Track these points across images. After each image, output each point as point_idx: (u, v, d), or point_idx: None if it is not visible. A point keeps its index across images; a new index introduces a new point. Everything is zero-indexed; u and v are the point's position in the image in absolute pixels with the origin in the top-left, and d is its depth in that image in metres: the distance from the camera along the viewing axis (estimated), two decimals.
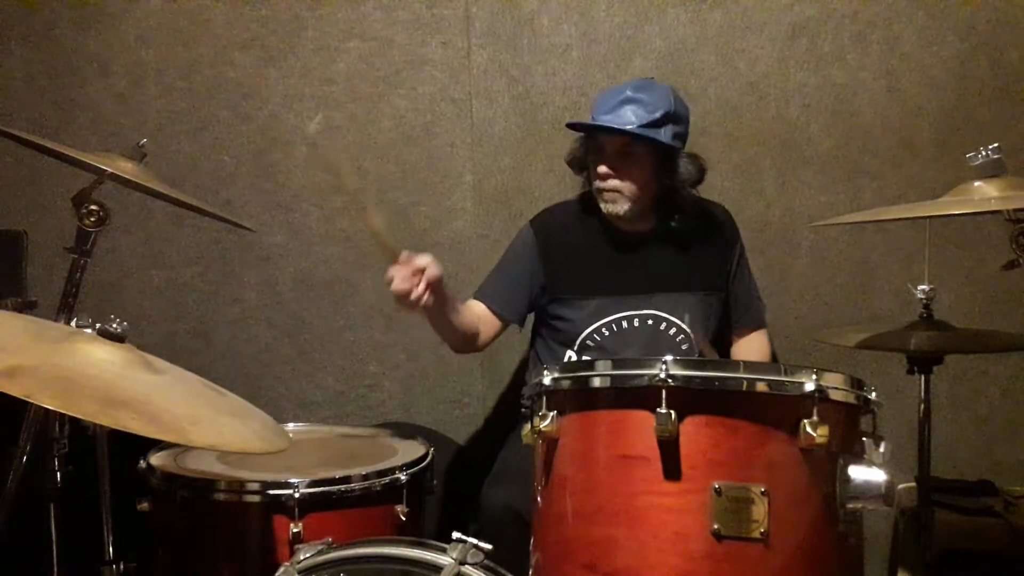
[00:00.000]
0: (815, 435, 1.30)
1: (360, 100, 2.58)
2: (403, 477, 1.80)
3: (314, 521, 1.70)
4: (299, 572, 1.39)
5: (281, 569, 1.40)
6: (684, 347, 2.12)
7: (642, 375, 1.34)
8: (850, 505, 1.36)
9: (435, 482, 1.97)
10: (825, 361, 2.29)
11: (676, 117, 2.02)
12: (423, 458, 1.90)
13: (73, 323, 1.49)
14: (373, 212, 1.85)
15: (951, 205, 1.72)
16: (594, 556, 1.35)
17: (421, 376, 2.64)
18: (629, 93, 2.01)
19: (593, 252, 2.15)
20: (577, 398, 1.45)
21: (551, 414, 1.42)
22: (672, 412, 1.30)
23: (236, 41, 2.58)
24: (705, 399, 1.33)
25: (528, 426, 1.47)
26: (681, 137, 2.06)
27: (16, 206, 2.60)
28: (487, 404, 2.64)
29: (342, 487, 1.73)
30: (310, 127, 1.87)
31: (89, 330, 1.43)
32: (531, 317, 2.23)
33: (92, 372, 1.32)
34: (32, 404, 1.63)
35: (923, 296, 1.92)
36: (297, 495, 1.69)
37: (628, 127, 1.99)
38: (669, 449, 1.32)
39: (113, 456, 1.89)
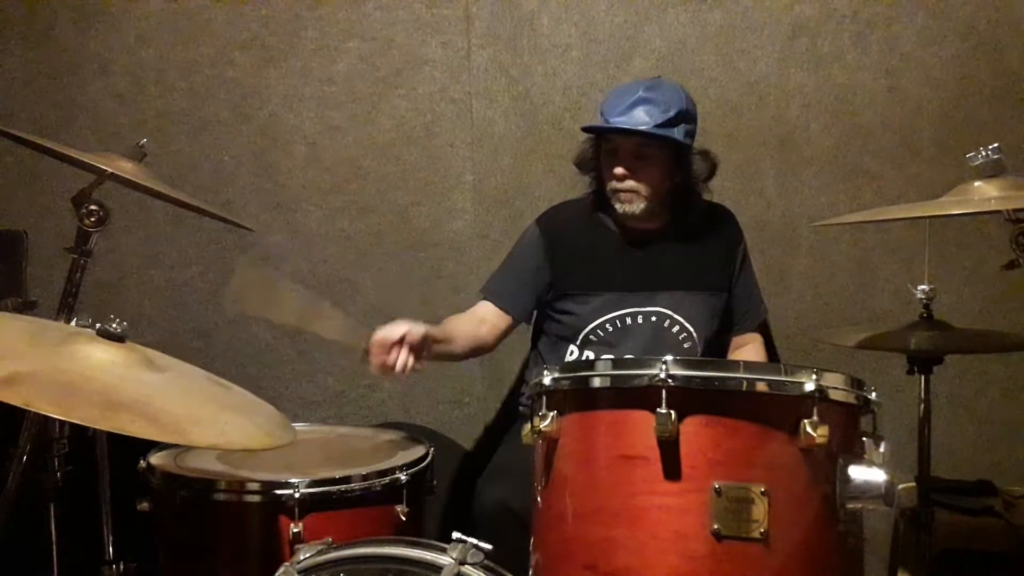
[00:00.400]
0: (815, 435, 1.30)
1: (360, 100, 2.58)
2: (403, 477, 1.80)
3: (314, 521, 1.70)
4: (299, 572, 1.39)
5: (281, 569, 1.40)
6: (686, 345, 2.13)
7: (642, 375, 1.34)
8: (850, 505, 1.36)
9: (435, 482, 1.97)
10: (825, 361, 2.29)
11: (688, 115, 2.03)
12: (423, 458, 1.90)
13: (73, 323, 1.49)
14: (324, 319, 1.87)
15: (951, 205, 1.72)
16: (594, 556, 1.35)
17: (421, 376, 2.61)
18: (641, 93, 2.01)
19: (599, 249, 2.15)
20: (577, 398, 1.45)
21: (551, 414, 1.42)
22: (672, 412, 1.30)
23: (236, 41, 2.58)
24: (705, 399, 1.33)
25: (528, 426, 1.47)
26: (692, 135, 2.07)
27: (16, 206, 2.60)
28: (487, 404, 2.64)
29: (342, 487, 1.74)
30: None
31: (89, 330, 1.43)
32: (534, 314, 2.23)
33: (92, 374, 1.32)
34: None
35: (923, 296, 1.92)
36: (297, 495, 1.69)
37: (643, 127, 1.99)
38: (669, 449, 1.32)
39: (113, 456, 1.89)
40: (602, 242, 2.16)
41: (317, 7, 2.57)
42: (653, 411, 1.31)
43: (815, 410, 1.32)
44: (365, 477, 1.77)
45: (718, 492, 1.30)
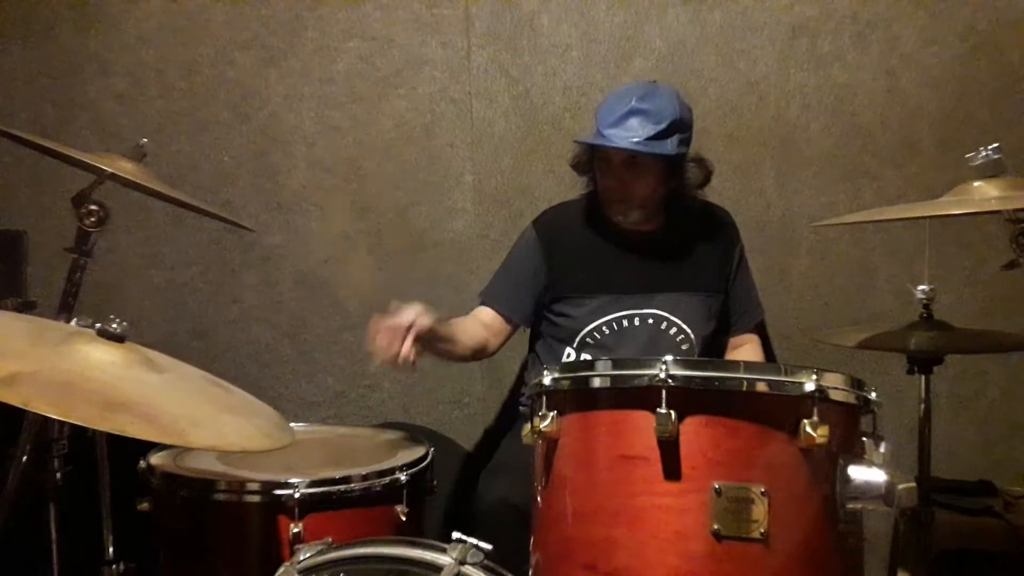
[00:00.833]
0: (815, 435, 1.30)
1: (360, 100, 2.58)
2: (403, 477, 1.80)
3: (314, 521, 1.70)
4: (299, 572, 1.39)
5: (281, 569, 1.40)
6: (684, 347, 2.13)
7: (642, 375, 1.34)
8: (850, 505, 1.36)
9: (435, 482, 1.97)
10: (825, 361, 2.28)
11: (681, 124, 2.01)
12: (423, 458, 1.90)
13: (73, 323, 1.49)
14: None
15: (951, 205, 1.71)
16: (594, 556, 1.35)
17: (421, 376, 2.64)
18: (634, 104, 1.98)
19: (596, 251, 2.15)
20: (577, 398, 1.45)
21: (551, 414, 1.42)
22: (672, 412, 1.30)
23: (236, 41, 2.58)
24: (705, 399, 1.33)
25: (528, 426, 1.47)
26: (686, 143, 2.05)
27: (16, 206, 2.60)
28: (487, 404, 2.64)
29: (342, 487, 1.73)
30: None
31: (89, 330, 1.43)
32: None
33: (92, 374, 1.32)
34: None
35: (923, 296, 1.92)
36: (297, 495, 1.69)
37: (635, 140, 1.97)
38: (669, 449, 1.32)
39: (113, 456, 1.89)
40: (598, 244, 2.15)
41: (317, 7, 2.57)
42: (653, 411, 1.31)
43: (815, 410, 1.31)
44: (365, 477, 1.77)
45: (718, 492, 1.29)
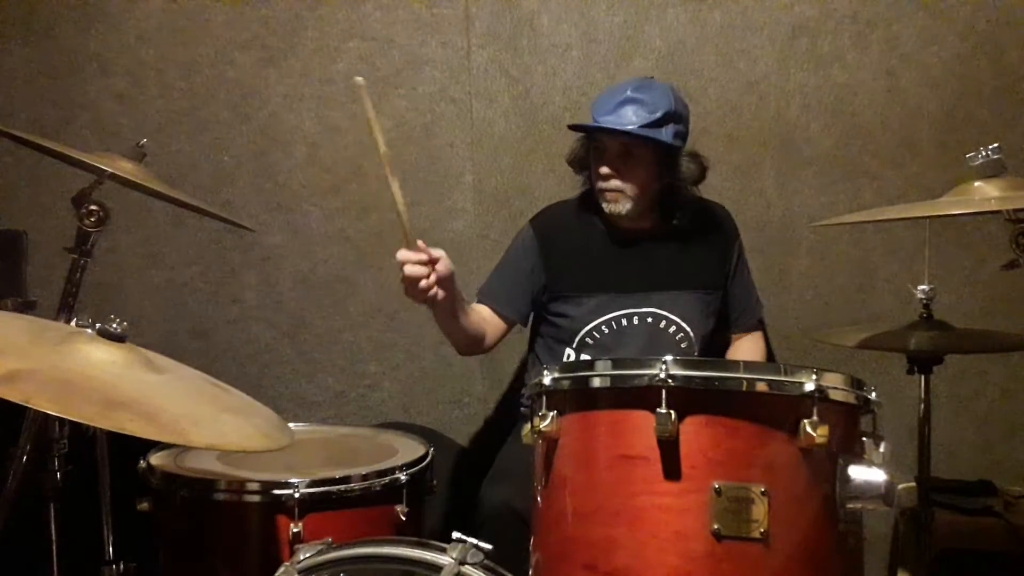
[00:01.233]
0: (815, 435, 1.30)
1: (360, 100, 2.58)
2: (403, 477, 1.79)
3: (314, 521, 1.70)
4: (299, 572, 1.39)
5: (281, 569, 1.40)
6: (683, 346, 2.13)
7: (642, 375, 1.34)
8: (850, 505, 1.35)
9: (435, 482, 1.96)
10: (825, 361, 2.29)
11: (677, 116, 2.02)
12: (423, 458, 1.90)
13: (73, 323, 1.49)
14: (397, 183, 1.77)
15: (951, 205, 1.71)
16: (594, 556, 1.35)
17: (421, 376, 2.64)
18: (629, 93, 2.01)
19: (593, 250, 2.15)
20: (577, 398, 1.44)
21: (551, 414, 1.42)
22: (672, 412, 1.30)
23: (236, 41, 2.58)
24: (705, 399, 1.33)
25: (528, 426, 1.47)
26: (682, 136, 2.06)
27: (16, 206, 2.61)
28: (487, 404, 2.64)
29: (342, 487, 1.73)
30: (357, 80, 1.80)
31: (89, 330, 1.43)
32: (531, 316, 2.23)
33: (92, 373, 1.32)
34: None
35: (923, 296, 1.92)
36: (297, 495, 1.69)
37: (629, 127, 1.98)
38: (669, 449, 1.31)
39: (113, 456, 1.89)
40: (595, 243, 2.16)
41: (317, 7, 2.57)
42: (653, 411, 1.30)
43: (815, 410, 1.31)
44: (365, 477, 1.76)
45: (718, 492, 1.29)
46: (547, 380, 1.44)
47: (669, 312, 2.12)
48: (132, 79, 2.60)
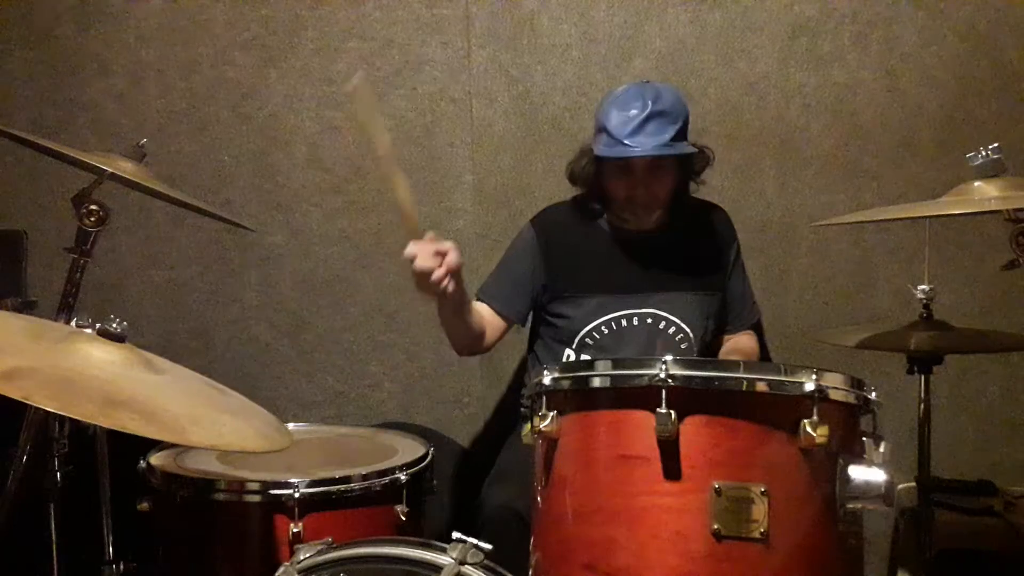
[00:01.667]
0: (815, 435, 1.30)
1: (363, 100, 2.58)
2: (403, 477, 1.79)
3: (314, 521, 1.70)
4: (299, 572, 1.39)
5: (281, 569, 1.40)
6: (683, 347, 2.13)
7: (642, 375, 1.34)
8: (850, 505, 1.36)
9: (435, 482, 1.97)
10: (825, 361, 2.28)
11: (688, 119, 2.03)
12: (423, 458, 1.90)
13: (73, 323, 1.49)
14: (401, 179, 1.76)
15: (951, 205, 1.71)
16: (594, 556, 1.35)
17: (421, 376, 2.64)
18: (651, 108, 1.96)
19: (593, 250, 2.15)
20: (577, 398, 1.45)
21: (551, 414, 1.42)
22: (672, 412, 1.30)
23: (236, 41, 2.58)
24: (705, 399, 1.33)
25: (528, 426, 1.47)
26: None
27: (16, 206, 2.61)
28: (487, 404, 2.64)
29: (342, 487, 1.73)
30: (352, 81, 1.79)
31: (89, 330, 1.43)
32: (530, 317, 2.23)
33: (92, 372, 1.32)
34: (32, 405, 1.63)
35: (923, 296, 1.92)
36: (297, 495, 1.69)
37: (662, 145, 1.95)
38: (669, 449, 1.32)
39: (113, 456, 1.89)
40: (596, 243, 2.15)
41: (317, 7, 2.57)
42: (653, 411, 1.31)
43: (815, 410, 1.31)
44: (365, 477, 1.76)
45: (718, 492, 1.29)
46: (547, 380, 1.44)
47: (669, 313, 2.12)
48: (132, 79, 2.60)
